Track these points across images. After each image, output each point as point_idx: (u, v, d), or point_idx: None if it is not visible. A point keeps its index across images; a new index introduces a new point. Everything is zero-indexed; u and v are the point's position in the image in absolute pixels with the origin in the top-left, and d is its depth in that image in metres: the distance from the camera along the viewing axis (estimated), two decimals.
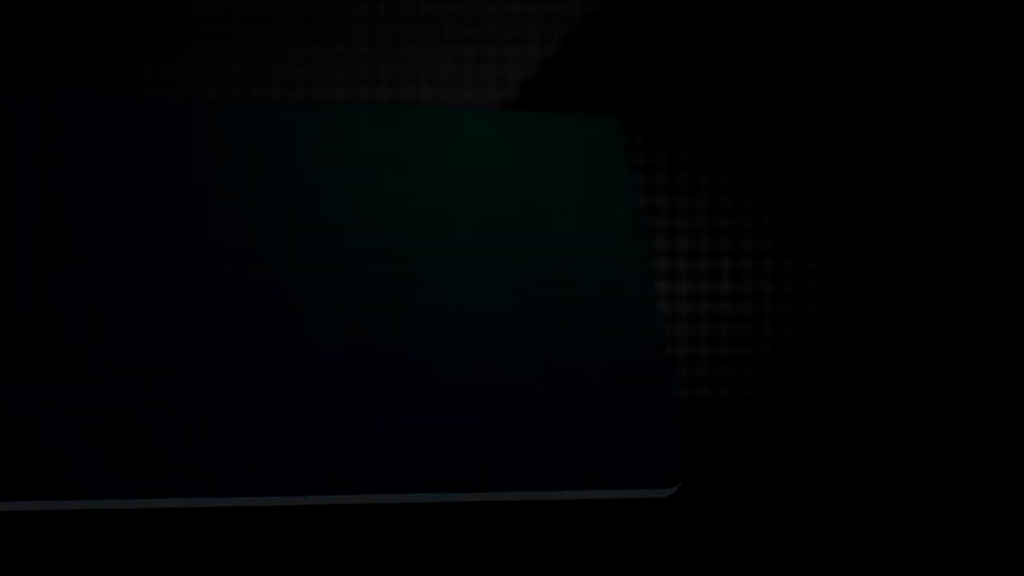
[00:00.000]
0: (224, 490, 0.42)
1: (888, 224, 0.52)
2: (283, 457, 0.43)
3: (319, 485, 0.43)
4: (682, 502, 0.47)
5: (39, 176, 0.45)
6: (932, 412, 0.50)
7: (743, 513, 0.48)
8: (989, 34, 0.54)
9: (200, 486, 0.42)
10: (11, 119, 0.45)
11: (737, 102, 0.53)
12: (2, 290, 0.43)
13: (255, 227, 0.46)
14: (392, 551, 0.45)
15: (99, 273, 0.44)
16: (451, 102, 0.53)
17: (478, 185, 0.48)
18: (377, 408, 0.44)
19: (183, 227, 0.45)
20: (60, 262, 0.44)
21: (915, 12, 0.54)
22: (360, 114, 0.48)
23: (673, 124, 0.53)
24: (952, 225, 0.52)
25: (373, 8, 0.53)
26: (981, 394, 0.50)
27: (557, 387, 0.45)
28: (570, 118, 0.50)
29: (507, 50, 0.53)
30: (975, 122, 0.54)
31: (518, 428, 0.44)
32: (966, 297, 0.52)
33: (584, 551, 0.46)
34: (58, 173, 0.45)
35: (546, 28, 0.54)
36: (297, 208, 0.46)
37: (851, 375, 0.50)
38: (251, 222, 0.46)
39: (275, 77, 0.52)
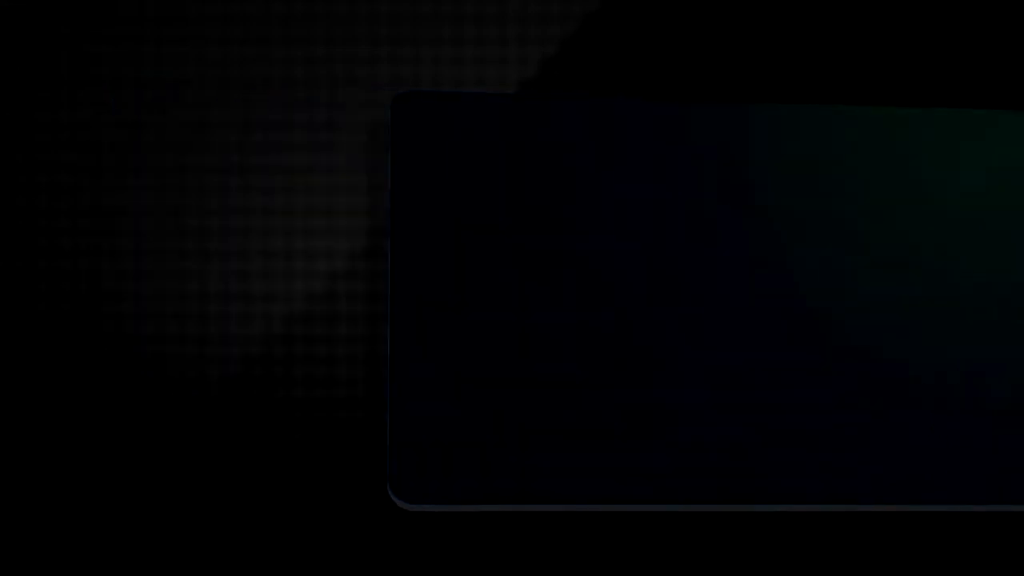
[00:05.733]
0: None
1: None
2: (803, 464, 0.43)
3: (834, 494, 0.43)
4: None
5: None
6: None
7: None
8: None
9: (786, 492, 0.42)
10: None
11: (736, 101, 0.53)
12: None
13: (828, 228, 0.46)
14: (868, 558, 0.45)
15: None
16: None
17: (955, 186, 0.47)
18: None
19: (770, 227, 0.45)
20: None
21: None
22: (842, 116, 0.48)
23: None
24: None
25: (373, 8, 0.54)
26: None
27: (1001, 399, 0.44)
28: None
29: (507, 50, 0.54)
30: None
31: (946, 438, 0.44)
32: None
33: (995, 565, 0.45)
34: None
35: (546, 28, 0.54)
36: (805, 208, 0.46)
37: None
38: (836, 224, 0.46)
39: (275, 77, 0.52)
